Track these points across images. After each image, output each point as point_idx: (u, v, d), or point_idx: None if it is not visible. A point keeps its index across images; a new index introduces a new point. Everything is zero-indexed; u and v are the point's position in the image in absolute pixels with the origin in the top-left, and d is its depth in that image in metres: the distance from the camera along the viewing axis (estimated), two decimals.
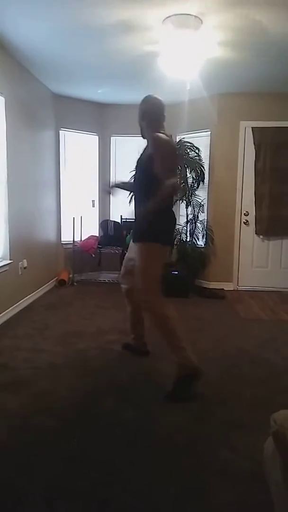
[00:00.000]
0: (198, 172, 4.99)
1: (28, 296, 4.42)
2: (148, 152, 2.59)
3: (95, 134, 5.76)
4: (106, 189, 3.11)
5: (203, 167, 5.04)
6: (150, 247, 2.55)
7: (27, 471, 1.77)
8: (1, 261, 3.80)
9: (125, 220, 5.48)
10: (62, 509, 1.57)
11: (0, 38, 3.45)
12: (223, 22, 3.00)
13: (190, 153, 5.02)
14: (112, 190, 3.05)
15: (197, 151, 5.04)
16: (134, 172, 2.88)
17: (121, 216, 5.54)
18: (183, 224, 5.22)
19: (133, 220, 2.75)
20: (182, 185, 4.96)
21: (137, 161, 2.73)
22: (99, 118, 5.72)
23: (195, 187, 5.04)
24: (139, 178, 2.70)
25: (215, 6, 2.76)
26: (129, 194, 3.26)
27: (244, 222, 5.25)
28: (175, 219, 2.74)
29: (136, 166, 2.74)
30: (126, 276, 2.92)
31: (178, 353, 2.50)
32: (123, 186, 3.08)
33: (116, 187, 3.05)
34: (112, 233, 5.38)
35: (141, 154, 2.71)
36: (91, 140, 5.76)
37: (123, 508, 1.59)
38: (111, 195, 3.15)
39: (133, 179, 2.97)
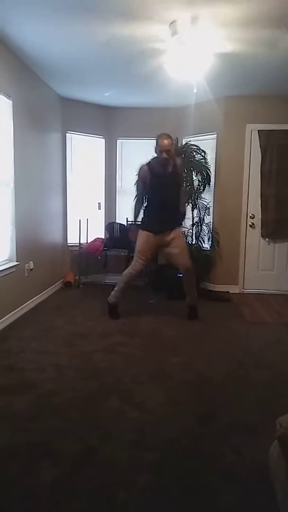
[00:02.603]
0: (204, 175, 4.99)
1: (34, 298, 4.44)
2: (177, 173, 3.88)
3: (101, 137, 5.79)
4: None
5: (209, 170, 5.04)
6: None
7: (34, 471, 1.78)
8: (8, 262, 3.83)
9: (131, 222, 5.50)
10: (68, 509, 1.58)
11: (8, 42, 3.49)
12: (229, 23, 3.00)
13: (196, 156, 5.03)
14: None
15: (203, 154, 5.04)
16: (162, 183, 3.75)
17: (126, 218, 5.55)
18: (189, 227, 5.22)
19: (161, 216, 3.81)
20: (188, 188, 4.97)
21: (166, 177, 3.77)
22: (106, 121, 5.75)
23: (201, 190, 5.04)
24: (173, 189, 3.85)
25: (223, 7, 2.77)
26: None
27: (250, 225, 5.24)
28: None
29: (167, 182, 3.77)
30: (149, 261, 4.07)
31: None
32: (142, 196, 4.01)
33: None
34: (118, 236, 5.39)
35: (165, 174, 3.77)
36: (97, 143, 5.79)
37: (128, 508, 1.59)
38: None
39: (162, 190, 3.78)
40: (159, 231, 3.84)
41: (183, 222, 4.17)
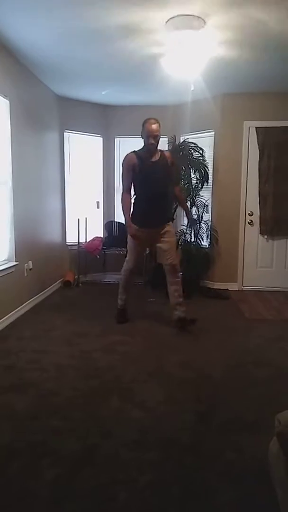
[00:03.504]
0: (202, 173, 4.99)
1: (33, 298, 4.44)
2: (166, 163, 3.59)
3: (99, 135, 5.79)
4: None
5: (207, 167, 5.04)
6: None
7: (34, 471, 1.79)
8: (7, 262, 3.83)
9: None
10: (69, 508, 1.59)
11: (4, 42, 3.48)
12: (226, 22, 3.00)
13: (193, 153, 5.02)
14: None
15: (201, 151, 5.04)
16: (150, 172, 3.54)
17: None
18: (187, 225, 5.22)
19: (150, 209, 3.57)
20: (186, 186, 4.97)
21: (154, 166, 3.54)
22: (103, 119, 5.75)
23: (199, 188, 5.04)
24: (163, 179, 3.58)
25: (217, 6, 2.77)
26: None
27: (248, 222, 5.24)
28: None
29: (155, 170, 3.53)
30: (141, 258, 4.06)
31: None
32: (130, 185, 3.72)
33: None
34: (117, 235, 5.39)
35: (153, 162, 3.55)
36: (95, 142, 5.78)
37: (128, 507, 1.60)
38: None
39: (151, 179, 3.56)
40: (148, 225, 3.62)
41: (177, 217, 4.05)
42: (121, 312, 3.89)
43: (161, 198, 3.60)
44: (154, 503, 1.62)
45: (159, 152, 3.59)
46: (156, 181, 3.54)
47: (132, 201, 3.68)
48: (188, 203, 5.12)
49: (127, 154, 3.60)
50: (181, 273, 4.81)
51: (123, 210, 3.67)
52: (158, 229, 3.64)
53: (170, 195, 3.74)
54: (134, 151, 3.59)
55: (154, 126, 3.42)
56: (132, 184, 3.62)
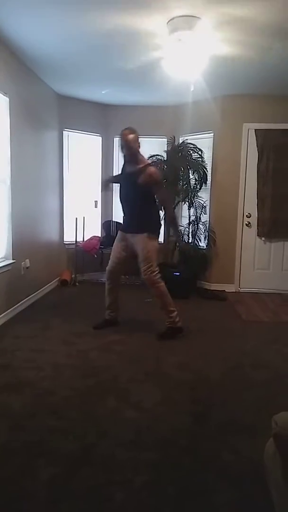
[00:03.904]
0: (200, 174, 5.00)
1: (30, 296, 4.43)
2: (136, 178, 3.35)
3: (98, 135, 5.78)
4: (104, 183, 3.95)
5: (206, 168, 5.05)
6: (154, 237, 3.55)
7: (30, 470, 1.78)
8: (4, 260, 3.81)
9: None
10: (65, 508, 1.58)
11: (5, 39, 3.47)
12: (226, 22, 3.00)
13: (193, 154, 5.03)
14: (106, 185, 3.91)
15: (199, 152, 5.05)
16: (123, 180, 3.57)
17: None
18: (185, 226, 5.22)
19: (124, 215, 3.66)
20: (184, 186, 4.97)
21: (125, 176, 3.52)
22: (103, 119, 5.74)
23: (197, 189, 5.05)
24: (132, 192, 3.46)
25: (217, 6, 2.77)
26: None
27: (246, 224, 5.25)
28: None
29: (126, 180, 3.49)
30: (120, 265, 3.67)
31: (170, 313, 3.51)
32: (112, 180, 3.98)
33: (108, 182, 3.95)
34: (114, 234, 5.37)
35: (128, 171, 3.47)
36: (94, 141, 5.77)
37: (125, 508, 1.60)
38: (106, 188, 3.97)
39: (122, 186, 3.59)
40: (122, 227, 3.70)
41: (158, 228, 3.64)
42: (104, 321, 3.73)
43: (130, 207, 3.55)
44: (150, 503, 1.62)
45: (143, 166, 3.38)
46: (126, 191, 3.53)
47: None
48: (187, 204, 5.14)
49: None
50: (178, 273, 4.84)
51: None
52: (130, 236, 3.54)
53: (141, 208, 3.47)
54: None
55: (127, 137, 3.32)
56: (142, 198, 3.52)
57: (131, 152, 3.38)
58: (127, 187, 3.50)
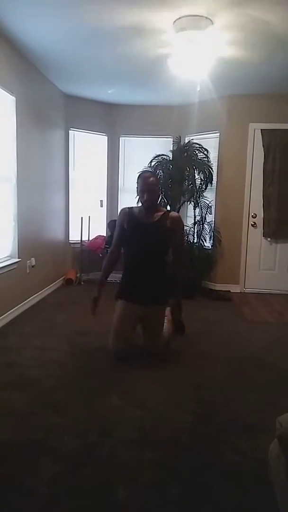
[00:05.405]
0: (206, 174, 4.99)
1: (35, 295, 4.45)
2: (166, 224, 2.94)
3: (104, 134, 5.78)
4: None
5: (212, 168, 5.03)
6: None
7: (33, 468, 1.79)
8: (10, 259, 3.83)
9: None
10: (68, 506, 1.59)
11: (11, 39, 3.48)
12: (233, 23, 3.00)
13: (198, 154, 5.02)
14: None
15: (205, 152, 5.03)
16: (140, 231, 2.97)
17: None
18: (190, 226, 5.21)
19: (135, 278, 3.00)
20: (190, 187, 4.96)
21: (148, 225, 2.96)
22: (109, 118, 5.74)
23: (203, 189, 5.03)
24: (154, 243, 2.95)
25: (225, 6, 2.76)
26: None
27: (251, 224, 5.23)
28: None
29: (147, 230, 2.95)
30: (126, 338, 3.01)
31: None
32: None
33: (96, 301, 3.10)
34: None
35: (148, 221, 2.96)
36: (100, 140, 5.78)
37: (127, 506, 1.59)
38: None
39: (137, 241, 2.97)
40: (129, 296, 3.00)
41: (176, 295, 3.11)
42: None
43: (146, 265, 2.95)
44: (153, 502, 1.62)
45: (165, 212, 3.02)
46: (142, 243, 2.93)
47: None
48: (192, 204, 5.12)
49: (123, 209, 3.10)
50: (184, 275, 4.76)
51: (102, 271, 3.17)
52: (144, 307, 2.96)
53: (161, 265, 2.98)
54: (130, 207, 3.09)
55: (149, 180, 2.95)
56: (164, 251, 3.04)
57: (154, 197, 2.99)
58: (146, 238, 2.93)
